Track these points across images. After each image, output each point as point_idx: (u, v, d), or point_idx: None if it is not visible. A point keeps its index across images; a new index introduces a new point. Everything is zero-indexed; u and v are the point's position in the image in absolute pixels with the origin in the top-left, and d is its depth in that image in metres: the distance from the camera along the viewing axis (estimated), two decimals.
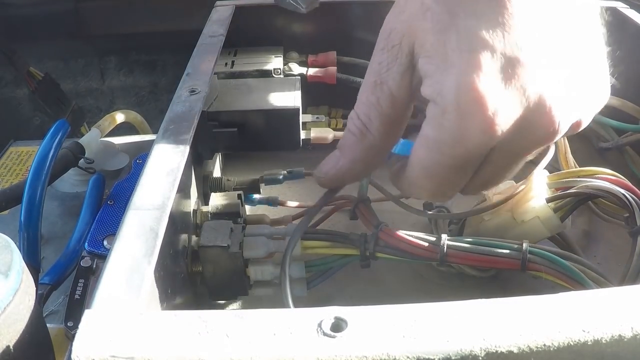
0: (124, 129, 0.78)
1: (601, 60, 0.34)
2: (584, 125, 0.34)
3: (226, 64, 0.57)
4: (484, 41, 0.31)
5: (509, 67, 0.31)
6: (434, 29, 0.32)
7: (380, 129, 0.35)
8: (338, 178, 0.38)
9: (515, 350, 0.23)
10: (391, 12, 0.35)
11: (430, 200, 0.41)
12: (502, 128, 0.31)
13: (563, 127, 0.32)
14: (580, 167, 0.46)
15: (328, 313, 0.24)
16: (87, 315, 0.25)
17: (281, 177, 0.52)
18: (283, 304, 0.37)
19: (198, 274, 0.41)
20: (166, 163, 0.35)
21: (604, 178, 0.43)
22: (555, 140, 0.33)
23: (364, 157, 0.36)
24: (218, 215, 0.44)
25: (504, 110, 0.31)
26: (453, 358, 0.23)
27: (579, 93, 0.33)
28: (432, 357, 0.23)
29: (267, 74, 0.56)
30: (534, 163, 0.41)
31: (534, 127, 0.32)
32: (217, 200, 0.45)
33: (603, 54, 0.34)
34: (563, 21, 0.33)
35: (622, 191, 0.41)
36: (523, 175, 0.42)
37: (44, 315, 0.41)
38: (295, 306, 0.38)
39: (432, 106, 0.33)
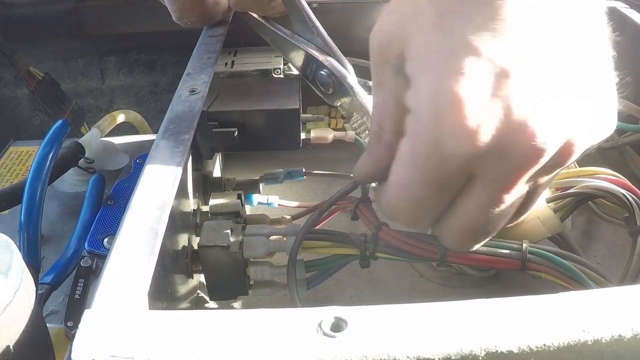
0: (124, 129, 0.78)
1: (608, 82, 0.31)
2: (576, 154, 0.31)
3: (226, 64, 0.57)
4: (469, 44, 0.29)
5: (495, 77, 0.29)
6: (421, 31, 0.31)
7: (392, 128, 0.34)
8: (367, 176, 0.38)
9: (515, 350, 0.23)
10: (384, 11, 0.34)
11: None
12: (479, 140, 0.29)
13: (549, 151, 0.29)
14: (580, 167, 0.46)
15: (328, 313, 0.24)
16: (87, 315, 0.25)
17: (281, 177, 0.52)
18: (290, 297, 0.37)
19: (198, 274, 0.41)
20: (166, 163, 0.35)
21: (604, 178, 0.43)
22: (537, 167, 0.30)
23: (384, 156, 0.35)
24: (218, 215, 0.44)
25: (482, 121, 0.29)
26: (453, 358, 0.23)
27: (575, 117, 0.30)
28: (432, 357, 0.23)
29: (267, 74, 0.56)
30: None
31: (513, 148, 0.29)
32: (217, 200, 0.45)
33: (611, 73, 0.31)
34: (566, 30, 0.30)
35: (622, 191, 0.41)
36: None
37: (44, 315, 0.41)
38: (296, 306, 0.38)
39: (410, 116, 0.32)
